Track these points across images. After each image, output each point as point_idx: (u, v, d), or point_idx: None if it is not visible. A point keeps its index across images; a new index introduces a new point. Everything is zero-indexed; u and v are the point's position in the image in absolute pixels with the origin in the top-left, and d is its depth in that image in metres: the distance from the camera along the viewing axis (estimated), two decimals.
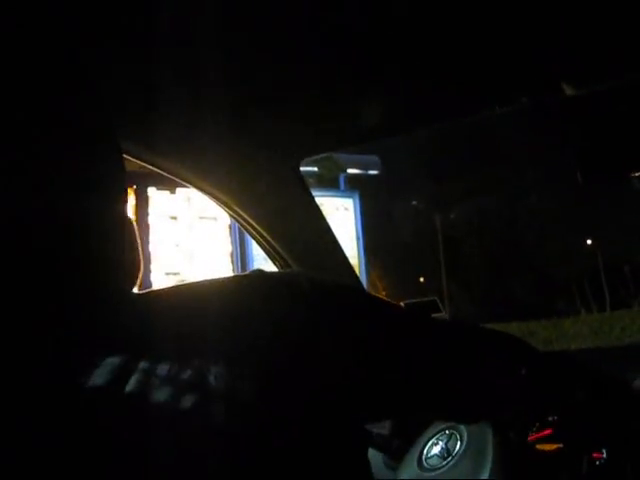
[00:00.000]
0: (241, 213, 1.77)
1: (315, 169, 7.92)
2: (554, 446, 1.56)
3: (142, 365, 0.80)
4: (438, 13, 1.33)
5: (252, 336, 0.86)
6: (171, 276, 6.94)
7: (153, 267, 6.85)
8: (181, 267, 7.04)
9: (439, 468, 1.57)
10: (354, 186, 8.89)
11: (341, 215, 8.41)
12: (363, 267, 8.41)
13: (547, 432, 1.58)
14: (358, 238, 8.48)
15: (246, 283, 0.95)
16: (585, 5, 1.28)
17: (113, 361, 0.80)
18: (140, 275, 0.96)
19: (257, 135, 1.68)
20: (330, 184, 8.51)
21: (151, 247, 6.86)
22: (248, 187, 1.75)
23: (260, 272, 0.97)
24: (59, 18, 1.05)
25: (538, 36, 1.39)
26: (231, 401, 0.80)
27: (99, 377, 0.79)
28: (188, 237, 7.18)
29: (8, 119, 0.83)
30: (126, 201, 0.96)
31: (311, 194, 1.89)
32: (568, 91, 1.52)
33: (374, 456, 1.74)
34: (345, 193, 8.67)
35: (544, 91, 1.58)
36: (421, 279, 24.90)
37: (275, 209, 1.81)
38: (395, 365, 0.97)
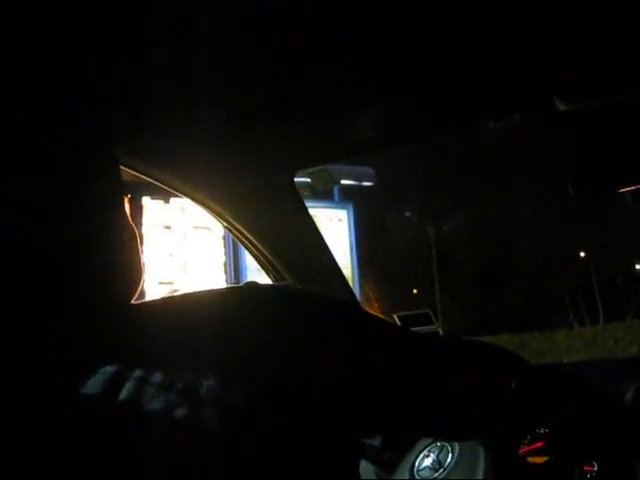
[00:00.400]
0: (235, 224, 1.77)
1: (309, 180, 7.93)
2: (545, 459, 1.56)
3: (136, 374, 0.81)
4: (433, 29, 1.34)
5: (245, 347, 0.87)
6: (164, 285, 6.93)
7: (146, 276, 6.79)
8: (174, 277, 7.04)
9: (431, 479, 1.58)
10: (348, 197, 8.90)
11: (335, 226, 8.41)
12: (357, 278, 8.41)
13: (538, 445, 1.58)
14: (352, 249, 8.48)
15: (240, 295, 0.96)
16: (577, 21, 1.28)
17: (108, 369, 0.81)
18: (141, 283, 0.99)
19: (252, 147, 1.68)
20: (324, 195, 8.51)
21: (145, 256, 6.83)
22: (242, 199, 1.76)
23: (253, 284, 0.98)
24: (57, 33, 1.06)
25: (530, 52, 1.40)
26: (223, 411, 0.81)
27: (94, 384, 0.80)
28: (182, 247, 7.17)
29: (12, 136, 0.85)
30: (125, 212, 0.97)
31: (305, 206, 1.90)
32: (561, 107, 1.53)
33: (366, 468, 1.74)
34: (339, 204, 8.67)
35: (537, 107, 1.59)
36: (414, 290, 24.90)
37: (269, 221, 1.82)
38: (385, 382, 0.97)
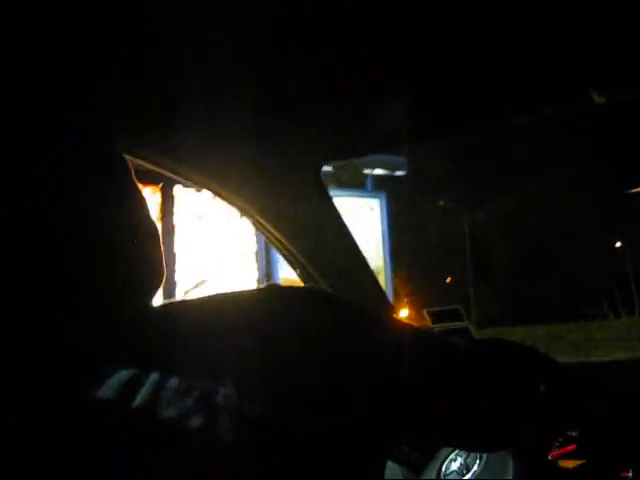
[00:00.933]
0: (260, 219, 1.74)
1: (331, 170, 7.88)
2: (577, 463, 1.52)
3: (152, 378, 0.80)
4: (466, 19, 1.30)
5: (269, 357, 0.84)
6: (196, 275, 6.94)
7: (178, 267, 6.85)
8: (206, 266, 7.04)
9: None
10: (380, 187, 8.84)
11: (366, 215, 8.34)
12: (388, 268, 8.35)
13: (570, 448, 1.54)
14: (384, 239, 8.41)
15: (266, 300, 0.93)
16: (610, 13, 1.23)
17: (123, 373, 0.80)
18: (163, 280, 0.97)
19: (277, 140, 1.65)
20: (356, 185, 8.46)
21: (176, 246, 6.87)
22: (267, 193, 1.72)
23: (278, 287, 0.96)
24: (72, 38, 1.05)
25: (563, 44, 1.35)
26: (239, 421, 0.79)
27: (109, 388, 0.79)
28: (214, 236, 7.18)
29: (12, 135, 0.84)
30: (143, 212, 0.96)
31: (332, 200, 1.85)
32: (597, 99, 1.48)
33: (392, 468, 1.71)
34: (371, 193, 8.59)
35: (572, 100, 1.54)
36: (448, 280, 24.79)
37: (294, 215, 1.78)
38: (415, 395, 0.93)
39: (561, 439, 1.54)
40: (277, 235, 1.78)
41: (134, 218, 0.94)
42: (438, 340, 1.08)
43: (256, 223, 1.79)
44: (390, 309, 1.98)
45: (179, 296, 6.76)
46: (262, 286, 0.99)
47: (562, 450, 1.55)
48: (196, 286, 6.91)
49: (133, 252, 0.91)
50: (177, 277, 6.84)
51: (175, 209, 6.98)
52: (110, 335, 0.85)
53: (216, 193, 1.69)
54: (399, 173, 8.70)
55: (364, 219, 8.32)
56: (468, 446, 1.33)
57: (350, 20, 1.29)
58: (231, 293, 0.96)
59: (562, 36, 1.34)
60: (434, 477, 1.58)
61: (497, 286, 23.03)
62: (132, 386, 0.79)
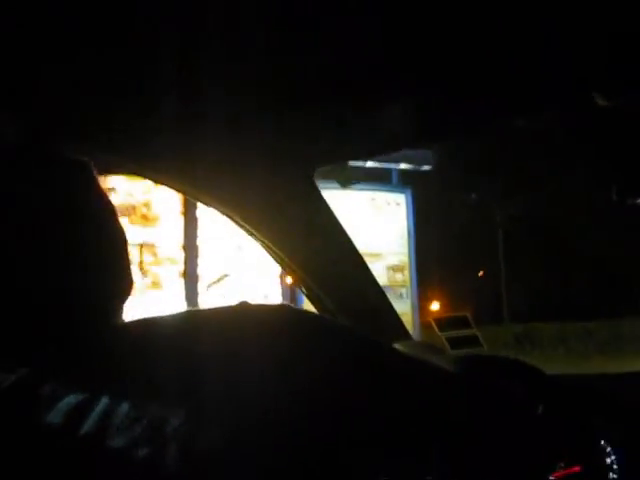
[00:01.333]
0: (253, 230, 1.69)
1: (366, 165, 7.80)
2: None
3: (102, 404, 0.77)
4: (465, 20, 1.24)
5: (226, 386, 0.80)
6: (217, 269, 6.93)
7: (200, 261, 6.84)
8: (228, 260, 7.02)
9: None
10: (406, 181, 8.76)
11: (392, 210, 8.28)
12: (413, 263, 8.27)
13: (575, 469, 1.47)
14: (410, 234, 8.34)
15: (231, 322, 0.89)
16: (613, 13, 1.16)
17: (73, 397, 0.77)
18: (132, 289, 0.96)
19: (266, 145, 1.59)
20: (379, 180, 8.39)
21: (199, 240, 6.85)
22: (258, 200, 1.66)
23: (247, 307, 0.92)
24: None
25: (566, 45, 1.28)
26: (187, 452, 0.75)
27: (58, 413, 0.76)
28: (235, 230, 7.14)
29: None
30: (109, 222, 0.94)
31: (327, 204, 1.78)
32: (600, 102, 1.40)
33: None
34: (397, 188, 8.52)
35: (575, 102, 1.46)
36: (480, 274, 24.69)
37: (287, 221, 1.71)
38: (389, 429, 0.87)
39: (564, 460, 1.47)
40: (270, 244, 1.71)
41: (100, 228, 0.91)
42: (418, 365, 1.00)
43: (249, 233, 1.73)
44: (390, 314, 1.89)
45: (201, 291, 6.76)
46: (233, 304, 0.94)
47: (566, 471, 1.47)
48: (218, 280, 6.89)
49: (98, 263, 0.89)
50: (199, 271, 6.83)
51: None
52: (67, 353, 0.83)
53: (204, 204, 1.64)
54: (425, 167, 8.61)
55: (390, 213, 8.27)
56: None
57: (343, 20, 1.25)
58: (202, 311, 0.97)
59: (564, 37, 1.27)
60: None
61: (528, 282, 22.83)
62: (81, 411, 0.76)
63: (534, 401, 1.16)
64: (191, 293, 6.69)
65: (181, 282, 6.67)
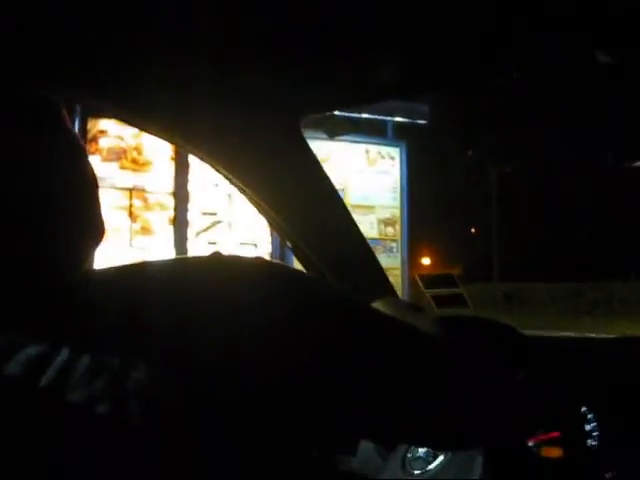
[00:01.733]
0: (235, 179, 1.63)
1: (361, 115, 7.69)
2: (560, 453, 1.42)
3: (62, 356, 0.75)
4: None
5: (190, 338, 0.79)
6: (208, 216, 6.89)
7: (190, 206, 6.79)
8: (218, 207, 6.97)
9: (424, 471, 1.44)
10: (402, 135, 8.67)
11: (386, 163, 8.21)
12: (405, 218, 8.24)
13: (555, 434, 1.44)
14: (402, 188, 8.28)
15: (199, 273, 0.86)
16: None
17: (33, 349, 0.75)
18: (103, 236, 0.92)
19: (249, 92, 1.52)
20: (374, 132, 8.29)
21: (190, 186, 6.79)
22: (242, 149, 1.60)
23: (219, 257, 0.89)
24: None
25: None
26: (148, 406, 0.74)
27: (16, 364, 0.74)
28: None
29: None
30: (78, 162, 0.90)
31: (315, 157, 1.72)
32: (601, 58, 1.34)
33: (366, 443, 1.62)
34: (392, 141, 8.43)
35: (574, 57, 1.40)
36: (472, 230, 24.78)
37: (272, 173, 1.65)
38: (364, 381, 0.84)
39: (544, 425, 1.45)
40: (254, 196, 1.66)
41: (67, 170, 0.87)
42: (398, 324, 0.96)
43: (232, 182, 1.67)
44: (376, 272, 1.85)
45: (191, 238, 6.73)
46: (205, 256, 0.91)
47: (545, 436, 1.45)
48: (208, 227, 6.86)
49: (64, 208, 0.85)
50: (190, 218, 6.78)
51: None
52: (28, 302, 0.81)
53: (191, 152, 1.59)
54: (421, 121, 8.52)
55: (384, 166, 8.21)
56: (432, 446, 1.24)
57: None
58: (169, 262, 0.92)
59: None
60: (399, 464, 1.49)
61: (520, 241, 22.90)
62: (41, 362, 0.74)
63: (514, 364, 1.11)
64: (181, 240, 6.66)
65: (171, 229, 6.63)
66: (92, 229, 0.90)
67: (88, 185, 0.90)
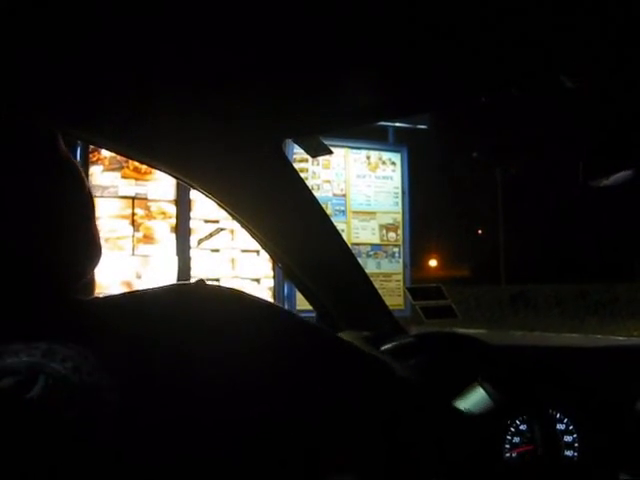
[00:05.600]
0: (222, 202, 1.68)
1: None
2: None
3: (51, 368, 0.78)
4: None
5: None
6: (210, 224, 6.92)
7: (192, 214, 6.82)
8: (221, 215, 7.01)
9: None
10: (403, 139, 8.68)
11: (388, 169, 8.24)
12: (407, 223, 8.25)
13: (528, 448, 1.48)
14: (404, 193, 8.30)
15: (172, 301, 0.92)
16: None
17: (23, 362, 0.77)
18: (101, 255, 0.95)
19: (232, 116, 1.57)
20: (377, 137, 8.31)
21: (191, 194, 6.83)
22: (226, 171, 1.64)
23: (203, 287, 0.94)
24: None
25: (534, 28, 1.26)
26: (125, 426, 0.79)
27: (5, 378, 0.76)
28: None
29: None
30: (78, 189, 0.93)
31: (298, 175, 1.77)
32: (567, 83, 1.39)
33: None
34: (393, 147, 8.45)
35: (539, 83, 1.45)
36: (478, 232, 24.72)
37: (255, 193, 1.70)
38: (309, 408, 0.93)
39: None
40: (238, 216, 1.71)
41: (63, 193, 0.91)
42: (351, 349, 1.02)
43: (220, 205, 1.72)
44: (365, 285, 1.89)
45: (193, 245, 6.77)
46: (190, 283, 0.99)
47: (520, 449, 1.48)
48: (210, 235, 6.89)
49: (60, 230, 0.88)
50: (192, 225, 6.83)
51: None
52: (30, 308, 0.84)
53: (174, 177, 1.63)
54: (421, 126, 8.53)
55: (385, 172, 8.22)
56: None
57: None
58: (156, 290, 0.95)
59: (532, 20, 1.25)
60: None
61: (526, 243, 22.85)
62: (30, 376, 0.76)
63: (475, 373, 1.21)
64: (183, 247, 6.69)
65: (173, 236, 6.67)
66: (93, 247, 0.94)
67: (84, 207, 0.94)
